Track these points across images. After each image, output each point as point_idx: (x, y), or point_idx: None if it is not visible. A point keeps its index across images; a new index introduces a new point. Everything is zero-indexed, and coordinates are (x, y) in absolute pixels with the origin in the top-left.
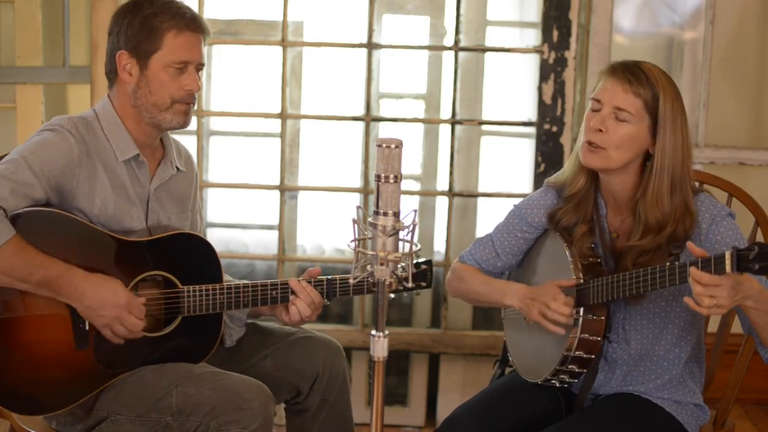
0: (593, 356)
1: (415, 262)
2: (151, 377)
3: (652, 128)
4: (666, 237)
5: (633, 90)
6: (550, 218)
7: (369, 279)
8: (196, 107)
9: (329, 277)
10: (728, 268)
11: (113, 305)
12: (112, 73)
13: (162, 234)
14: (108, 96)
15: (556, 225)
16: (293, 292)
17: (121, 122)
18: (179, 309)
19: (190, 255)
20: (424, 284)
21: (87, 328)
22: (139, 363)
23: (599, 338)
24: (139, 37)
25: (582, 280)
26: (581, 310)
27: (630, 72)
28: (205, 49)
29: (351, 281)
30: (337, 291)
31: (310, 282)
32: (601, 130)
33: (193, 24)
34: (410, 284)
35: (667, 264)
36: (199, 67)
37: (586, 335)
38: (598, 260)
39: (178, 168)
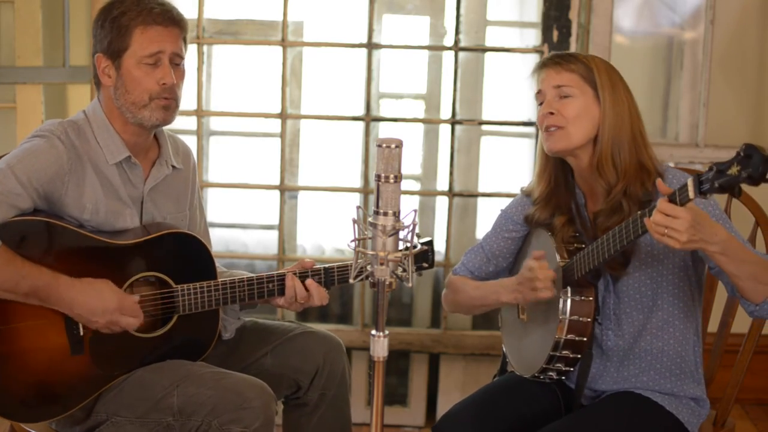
0: (585, 338)
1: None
2: (151, 378)
3: (596, 97)
4: (620, 194)
5: (565, 67)
6: (526, 220)
7: (368, 278)
8: (195, 106)
9: (326, 266)
10: (691, 193)
11: (103, 311)
12: (96, 77)
13: (152, 235)
14: (97, 98)
15: (533, 223)
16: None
17: (110, 124)
18: (174, 308)
19: (182, 254)
20: (426, 265)
21: (81, 333)
22: (137, 364)
23: (589, 319)
24: (110, 38)
25: (567, 261)
26: (569, 290)
27: (557, 56)
28: (182, 42)
29: (351, 281)
30: (335, 280)
31: (306, 273)
32: (552, 113)
33: (161, 18)
34: (411, 284)
35: (638, 212)
36: (174, 58)
37: (576, 317)
38: (583, 246)
39: (174, 166)
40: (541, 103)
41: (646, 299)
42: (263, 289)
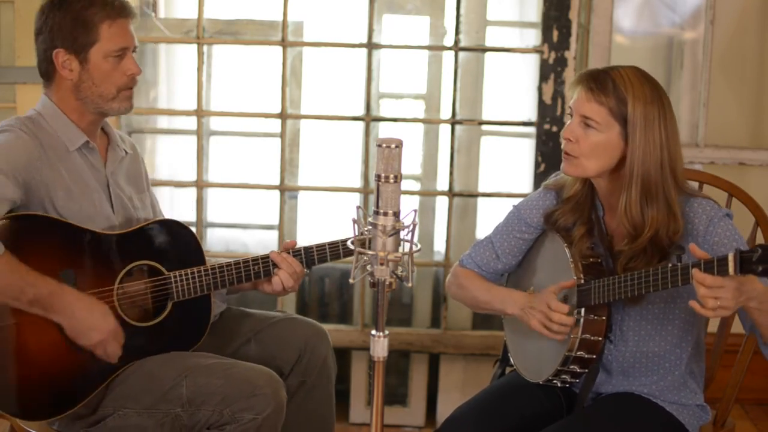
0: (594, 356)
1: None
2: (158, 369)
3: (623, 134)
4: (647, 242)
5: (595, 98)
6: (546, 218)
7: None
8: (195, 106)
9: (306, 245)
10: (731, 270)
11: (100, 330)
12: (48, 72)
13: (141, 224)
14: (45, 94)
15: (553, 225)
16: (275, 265)
17: (64, 115)
18: (168, 295)
19: (171, 241)
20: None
21: None
22: (136, 354)
23: (600, 338)
24: (75, 33)
25: (582, 281)
26: (582, 310)
27: (593, 80)
28: (133, 30)
29: (351, 281)
30: (315, 259)
31: (289, 253)
32: (570, 140)
33: (122, 10)
34: (411, 284)
35: (669, 265)
36: (134, 49)
37: (588, 335)
38: (599, 260)
39: (125, 151)
40: (570, 115)
41: (656, 320)
42: (250, 270)
